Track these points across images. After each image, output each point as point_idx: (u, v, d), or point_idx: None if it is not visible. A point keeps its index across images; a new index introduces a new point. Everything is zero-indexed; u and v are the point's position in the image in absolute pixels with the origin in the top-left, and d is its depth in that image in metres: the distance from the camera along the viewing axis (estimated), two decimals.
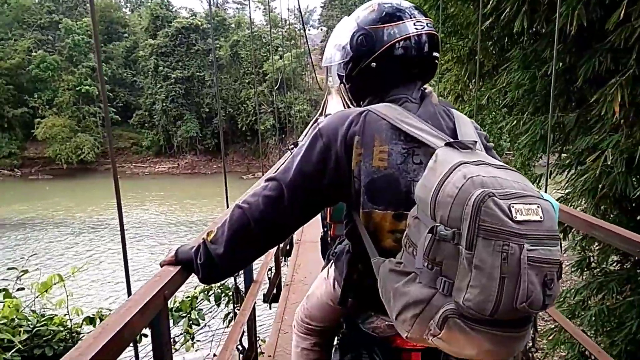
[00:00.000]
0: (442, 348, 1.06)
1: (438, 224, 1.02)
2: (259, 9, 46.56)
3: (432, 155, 1.13)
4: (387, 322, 1.36)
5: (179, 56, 39.70)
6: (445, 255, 1.01)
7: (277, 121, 33.07)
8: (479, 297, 0.96)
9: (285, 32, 40.95)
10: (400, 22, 1.33)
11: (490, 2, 4.98)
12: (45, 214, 24.36)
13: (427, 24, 1.35)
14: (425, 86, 1.54)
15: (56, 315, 3.60)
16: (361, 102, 1.44)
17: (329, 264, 1.62)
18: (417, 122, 1.26)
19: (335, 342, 1.73)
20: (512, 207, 1.00)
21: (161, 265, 1.38)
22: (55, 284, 3.91)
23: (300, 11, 23.41)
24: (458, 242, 0.99)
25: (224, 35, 41.01)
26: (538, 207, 1.02)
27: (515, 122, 5.42)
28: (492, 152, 1.33)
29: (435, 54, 1.38)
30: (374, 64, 1.34)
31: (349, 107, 1.46)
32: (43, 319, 3.46)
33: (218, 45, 39.18)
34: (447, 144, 1.16)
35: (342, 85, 1.47)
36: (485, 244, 0.96)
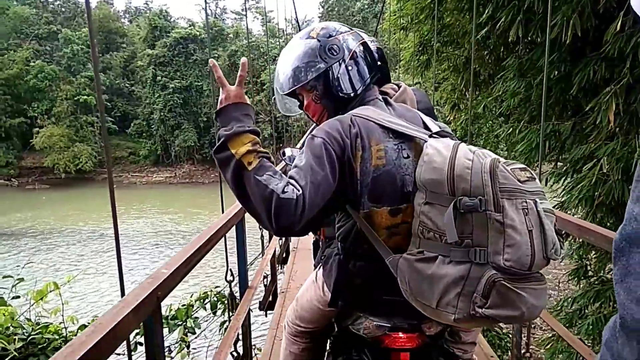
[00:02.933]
0: (487, 321, 1.10)
1: (461, 197, 1.08)
2: (257, 19, 46.77)
3: (423, 147, 1.22)
4: (375, 323, 1.38)
5: (177, 66, 39.71)
6: (473, 225, 1.08)
7: (275, 130, 33.09)
8: (517, 253, 1.04)
9: (283, 42, 41.11)
10: (351, 31, 1.43)
11: (486, 12, 5.03)
12: (45, 223, 24.19)
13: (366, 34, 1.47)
14: (399, 83, 1.66)
15: (51, 323, 3.58)
16: (326, 115, 1.43)
17: (318, 267, 1.63)
18: (398, 120, 1.33)
19: (327, 347, 1.73)
20: (513, 170, 1.10)
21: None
22: (50, 291, 3.89)
23: (297, 21, 23.45)
24: (486, 208, 1.06)
25: (222, 45, 41.07)
26: (525, 169, 1.13)
27: (511, 130, 5.44)
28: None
29: (382, 63, 1.47)
30: (349, 67, 1.38)
31: (318, 124, 1.43)
32: (38, 327, 3.44)
33: (216, 55, 39.25)
34: (431, 135, 1.27)
35: (311, 102, 1.45)
36: (510, 203, 1.06)
